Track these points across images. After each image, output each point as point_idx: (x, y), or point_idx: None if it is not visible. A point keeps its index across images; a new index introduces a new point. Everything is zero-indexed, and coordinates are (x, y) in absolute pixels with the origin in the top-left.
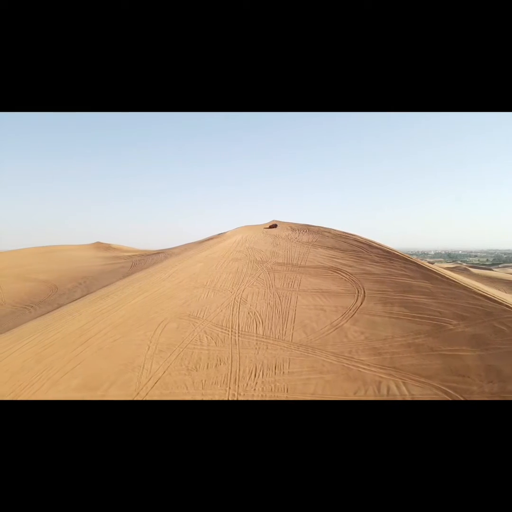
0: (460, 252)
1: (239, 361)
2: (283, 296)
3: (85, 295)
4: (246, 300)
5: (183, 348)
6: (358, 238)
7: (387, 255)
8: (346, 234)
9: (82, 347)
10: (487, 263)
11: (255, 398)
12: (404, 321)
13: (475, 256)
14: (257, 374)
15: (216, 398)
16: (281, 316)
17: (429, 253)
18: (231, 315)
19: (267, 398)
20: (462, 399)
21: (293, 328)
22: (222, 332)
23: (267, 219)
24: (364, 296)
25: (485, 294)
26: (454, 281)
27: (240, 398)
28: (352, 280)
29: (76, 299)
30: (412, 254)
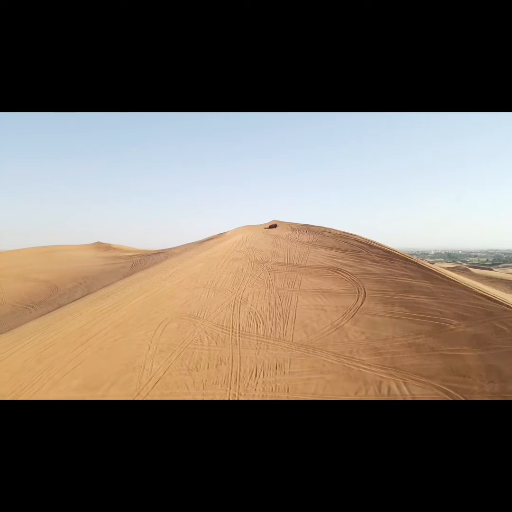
0: (460, 252)
1: (240, 361)
2: (283, 296)
3: (85, 295)
4: (247, 300)
5: (184, 348)
6: (359, 238)
7: (388, 255)
8: (347, 234)
9: (82, 347)
10: (487, 263)
11: (256, 398)
12: (405, 321)
13: (475, 256)
14: (257, 374)
15: (217, 398)
16: (281, 316)
17: (429, 253)
18: (231, 315)
19: (268, 398)
20: (463, 399)
21: (293, 328)
22: (222, 332)
23: (267, 219)
24: (365, 296)
25: (486, 294)
26: (454, 281)
27: (241, 398)
28: (353, 280)
29: (76, 299)
30: (412, 254)
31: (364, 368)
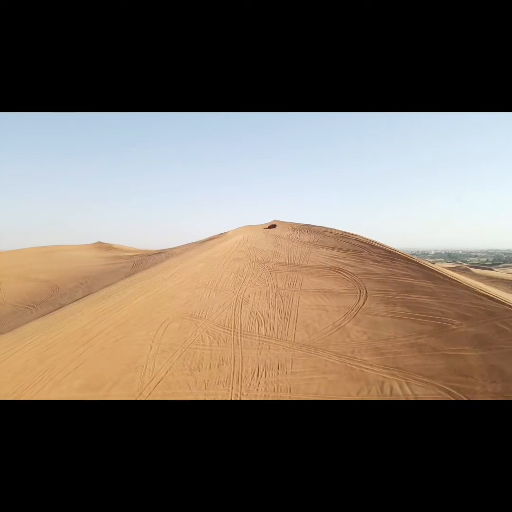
0: (460, 252)
1: (242, 361)
2: (285, 296)
3: (87, 295)
4: (248, 300)
5: (186, 348)
6: (360, 238)
7: (389, 255)
8: (348, 234)
9: (84, 347)
10: (488, 263)
11: (258, 398)
12: (407, 321)
13: (475, 256)
14: (259, 374)
15: (219, 398)
16: (283, 316)
17: (429, 253)
18: (233, 315)
19: (270, 398)
20: (465, 399)
21: (295, 328)
22: (224, 332)
23: (268, 219)
24: (366, 296)
25: (488, 294)
26: (456, 281)
27: (243, 398)
28: (354, 280)
29: (78, 299)
30: (412, 254)
31: (366, 368)
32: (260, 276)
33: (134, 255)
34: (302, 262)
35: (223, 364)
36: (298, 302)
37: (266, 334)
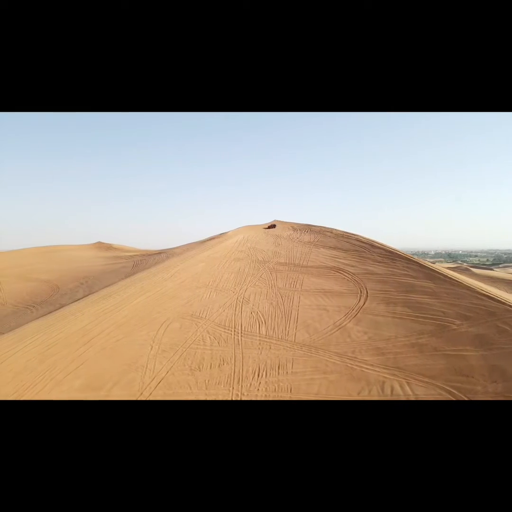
0: (460, 252)
1: (242, 361)
2: (285, 296)
3: (87, 295)
4: (249, 300)
5: (186, 348)
6: (360, 238)
7: (390, 255)
8: (348, 234)
9: (85, 347)
10: (488, 263)
11: (258, 398)
12: (407, 321)
13: (476, 256)
14: (260, 374)
15: (220, 398)
16: (284, 316)
17: (429, 253)
18: (233, 315)
19: (270, 398)
20: (466, 399)
21: (296, 328)
22: (225, 332)
23: (268, 219)
24: (367, 296)
25: (488, 294)
26: (457, 281)
27: (244, 398)
28: (355, 280)
29: (78, 299)
30: (412, 254)
31: (367, 368)
32: (260, 276)
33: (135, 255)
34: (303, 262)
35: (223, 364)
36: (299, 302)
37: (267, 334)
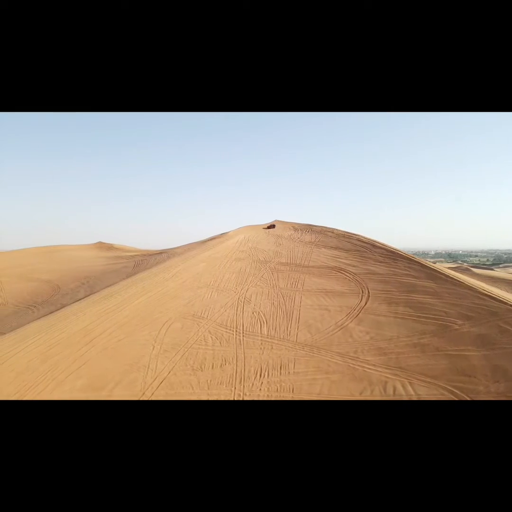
0: (460, 252)
1: (244, 361)
2: (287, 296)
3: (88, 295)
4: (250, 300)
5: (188, 348)
6: (361, 238)
7: (391, 255)
8: (349, 234)
9: (87, 347)
10: (488, 263)
11: (261, 398)
12: (409, 321)
13: (476, 256)
14: (262, 374)
15: (222, 398)
16: (285, 316)
17: (430, 253)
18: (235, 315)
19: (272, 398)
20: (468, 399)
21: (297, 328)
22: (226, 332)
23: (268, 219)
24: (369, 296)
25: (490, 294)
26: (458, 281)
27: (246, 398)
28: (356, 280)
29: (79, 299)
30: (413, 254)
31: (369, 368)
32: (262, 276)
33: (135, 255)
34: (304, 262)
35: (225, 364)
36: (300, 302)
37: (269, 334)
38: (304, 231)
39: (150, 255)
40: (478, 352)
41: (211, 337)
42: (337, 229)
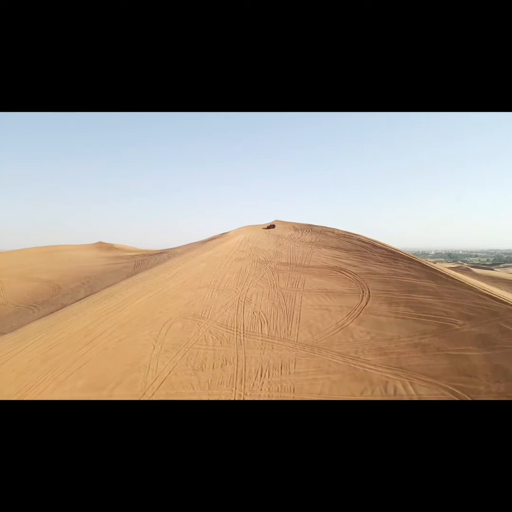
0: (460, 252)
1: (245, 361)
2: (287, 296)
3: (89, 295)
4: (251, 300)
5: (189, 348)
6: (362, 238)
7: (392, 255)
8: (350, 234)
9: (87, 347)
10: (488, 263)
11: (261, 398)
12: (410, 321)
13: (476, 256)
14: (263, 374)
15: (223, 398)
16: (286, 316)
17: (430, 253)
18: (235, 315)
19: (273, 399)
20: (469, 399)
21: (298, 328)
22: (227, 332)
23: (269, 219)
24: (369, 296)
25: (491, 294)
26: (459, 281)
27: (247, 398)
28: (357, 280)
29: (80, 299)
30: (413, 254)
31: (370, 368)
32: (262, 276)
33: (136, 255)
34: (304, 262)
35: (226, 364)
36: (301, 302)
37: (269, 334)
38: (305, 231)
39: (150, 255)
40: (478, 352)
41: (211, 337)
42: (337, 229)
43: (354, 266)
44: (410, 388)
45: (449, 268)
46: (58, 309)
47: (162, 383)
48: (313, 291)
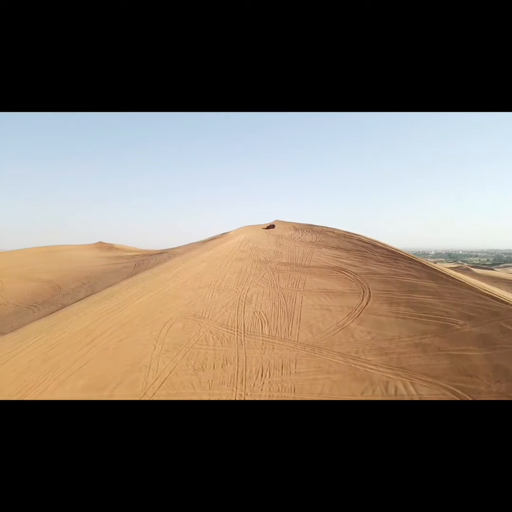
0: (460, 252)
1: (246, 361)
2: (288, 296)
3: (89, 295)
4: (251, 300)
5: (189, 348)
6: (362, 238)
7: (392, 255)
8: (350, 234)
9: (88, 347)
10: (488, 263)
11: (262, 398)
12: (411, 321)
13: (476, 256)
14: (264, 374)
15: (223, 398)
16: (286, 316)
17: (430, 253)
18: (236, 315)
19: (274, 399)
20: (470, 399)
21: (299, 328)
22: (227, 332)
23: (269, 219)
24: (370, 296)
25: (491, 294)
26: (459, 281)
27: (247, 398)
28: (357, 280)
29: (80, 299)
30: (413, 254)
31: (371, 368)
32: (262, 276)
33: (136, 255)
34: (305, 262)
35: (227, 364)
36: (301, 302)
37: (270, 334)
38: (305, 231)
39: (150, 255)
40: (479, 352)
41: (212, 337)
42: (338, 229)
43: (355, 266)
44: (411, 388)
45: (450, 268)
46: (58, 309)
47: (162, 383)
48: (313, 291)
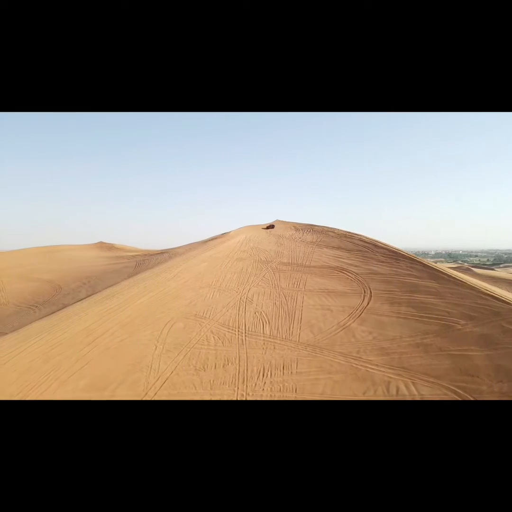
0: (460, 252)
1: (247, 361)
2: (289, 296)
3: (90, 295)
4: (252, 300)
5: (191, 348)
6: (363, 238)
7: (393, 255)
8: (351, 234)
9: (89, 347)
10: (488, 263)
11: (263, 398)
12: (412, 321)
13: (476, 256)
14: (265, 374)
15: (225, 398)
16: (287, 316)
17: (430, 253)
18: (237, 315)
19: (275, 398)
20: (472, 399)
21: (300, 328)
22: (229, 332)
23: (269, 219)
24: (371, 296)
25: (493, 294)
26: (461, 281)
27: (249, 398)
28: (358, 280)
29: (81, 299)
30: (413, 254)
31: (372, 368)
32: (263, 276)
33: (137, 255)
34: (306, 262)
35: (228, 364)
36: (302, 302)
37: (271, 334)
38: (306, 231)
39: (151, 255)
40: (481, 352)
41: (213, 337)
42: (338, 229)
43: (356, 266)
44: (413, 388)
45: (450, 268)
46: (59, 309)
47: (164, 383)
48: (314, 291)
